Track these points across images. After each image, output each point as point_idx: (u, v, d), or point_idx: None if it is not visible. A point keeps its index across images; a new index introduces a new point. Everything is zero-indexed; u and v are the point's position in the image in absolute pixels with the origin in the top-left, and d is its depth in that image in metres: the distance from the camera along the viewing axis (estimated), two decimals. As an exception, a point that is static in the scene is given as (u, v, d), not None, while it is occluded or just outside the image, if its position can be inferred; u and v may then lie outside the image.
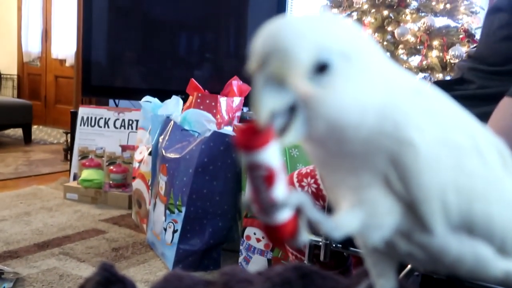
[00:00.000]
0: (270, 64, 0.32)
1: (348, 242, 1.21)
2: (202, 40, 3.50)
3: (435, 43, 2.42)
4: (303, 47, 0.32)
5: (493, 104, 1.02)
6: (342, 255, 1.36)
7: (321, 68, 0.31)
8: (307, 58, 0.32)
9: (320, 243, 1.24)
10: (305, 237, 0.33)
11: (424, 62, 2.45)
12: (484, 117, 1.04)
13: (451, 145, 0.32)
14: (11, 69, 6.14)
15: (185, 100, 2.60)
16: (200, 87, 2.58)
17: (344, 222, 0.31)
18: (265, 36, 0.33)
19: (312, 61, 0.32)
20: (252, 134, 0.32)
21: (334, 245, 1.23)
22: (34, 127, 5.24)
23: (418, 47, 2.47)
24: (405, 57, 2.54)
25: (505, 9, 0.99)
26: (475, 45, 1.19)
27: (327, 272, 0.35)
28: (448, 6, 2.42)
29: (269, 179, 0.32)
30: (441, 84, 1.14)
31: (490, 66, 1.04)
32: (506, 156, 0.35)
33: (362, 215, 0.31)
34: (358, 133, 0.31)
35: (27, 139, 4.87)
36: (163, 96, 2.68)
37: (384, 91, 0.32)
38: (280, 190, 0.33)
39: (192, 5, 3.35)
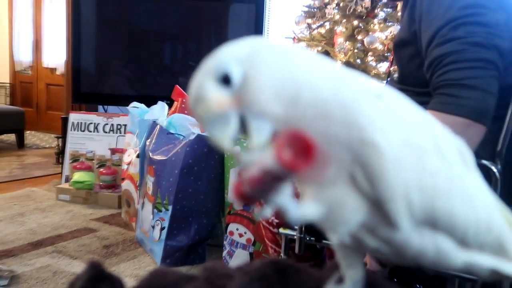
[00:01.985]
0: (197, 110, 0.34)
1: (321, 235, 1.22)
2: (185, 49, 3.49)
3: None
4: (202, 79, 0.34)
5: None
6: (316, 248, 1.37)
7: (227, 79, 0.33)
8: (210, 84, 0.33)
9: (295, 236, 1.25)
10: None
11: (392, 68, 2.48)
12: None
13: (413, 146, 0.32)
14: (4, 78, 6.05)
15: (170, 106, 2.60)
16: (185, 93, 2.58)
17: (304, 211, 0.31)
18: (188, 94, 0.35)
19: (214, 82, 0.33)
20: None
21: (308, 238, 1.24)
22: (27, 132, 5.17)
23: (385, 54, 2.51)
24: (374, 64, 2.57)
25: (411, 42, 1.05)
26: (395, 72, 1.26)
27: (302, 265, 0.36)
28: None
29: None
30: None
31: (416, 88, 1.09)
32: (465, 154, 0.36)
33: (321, 209, 0.32)
34: (302, 117, 0.32)
35: (20, 144, 4.81)
36: (149, 102, 2.67)
37: (329, 81, 0.33)
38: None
39: (175, 16, 3.35)
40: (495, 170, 0.99)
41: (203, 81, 0.33)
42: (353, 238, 0.32)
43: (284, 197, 0.31)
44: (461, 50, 0.89)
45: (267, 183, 0.30)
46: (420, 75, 1.05)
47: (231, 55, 0.33)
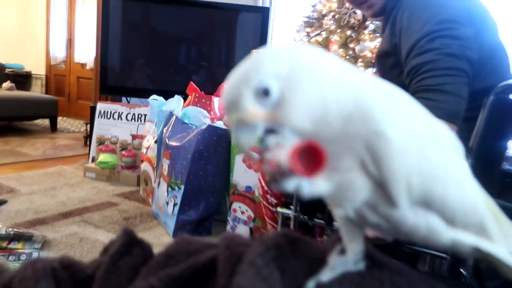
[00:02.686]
0: (231, 114, 0.33)
1: (313, 215, 1.22)
2: (199, 51, 3.47)
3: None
4: (241, 89, 0.32)
5: None
6: (308, 226, 1.37)
7: (265, 92, 0.31)
8: (248, 96, 0.32)
9: (291, 215, 1.25)
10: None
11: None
12: None
13: (416, 137, 0.32)
14: (41, 71, 6.03)
15: (185, 99, 2.58)
16: (198, 89, 2.57)
17: (316, 187, 0.31)
18: (222, 95, 0.33)
19: (252, 94, 0.32)
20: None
21: (301, 217, 1.24)
22: (59, 118, 5.16)
23: (373, 61, 2.49)
24: (363, 69, 2.55)
25: (392, 54, 1.06)
26: None
27: (309, 238, 0.35)
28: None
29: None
30: None
31: None
32: (458, 147, 0.36)
33: (332, 187, 0.31)
34: (330, 131, 0.31)
35: (53, 128, 4.80)
36: (167, 95, 2.66)
37: (351, 93, 0.32)
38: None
39: (191, 22, 3.32)
40: (467, 164, 0.98)
41: (242, 90, 0.32)
42: (357, 214, 0.32)
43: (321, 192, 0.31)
44: (436, 60, 0.90)
45: (280, 172, 0.30)
46: (399, 82, 1.05)
47: (272, 71, 0.31)
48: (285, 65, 0.32)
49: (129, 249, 0.31)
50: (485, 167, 1.08)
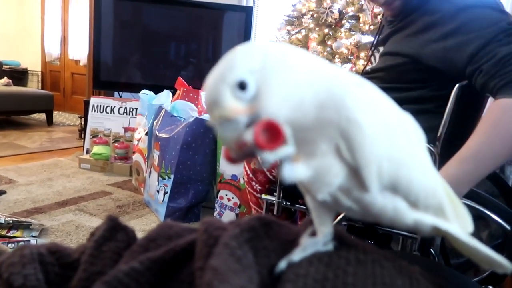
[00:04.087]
0: (213, 112, 0.32)
1: (295, 201, 1.23)
2: (187, 48, 3.44)
3: (362, 54, 2.45)
4: (219, 87, 0.31)
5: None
6: (291, 211, 1.38)
7: (242, 87, 0.31)
8: (226, 92, 0.31)
9: (274, 201, 1.25)
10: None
11: (354, 69, 2.48)
12: None
13: (386, 125, 0.33)
14: (36, 67, 5.90)
15: (174, 94, 2.56)
16: (186, 83, 2.54)
17: (297, 172, 0.31)
18: (204, 95, 0.33)
19: (230, 90, 0.31)
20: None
21: (284, 203, 1.24)
22: (55, 112, 5.06)
23: (349, 57, 2.50)
24: (340, 65, 2.55)
25: (411, 56, 1.01)
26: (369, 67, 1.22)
27: (283, 221, 0.35)
28: (371, 27, 2.44)
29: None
30: None
31: (397, 83, 1.08)
32: (420, 135, 0.37)
33: (310, 172, 0.31)
34: (305, 117, 0.31)
35: (49, 121, 4.71)
36: (157, 90, 2.63)
37: (324, 82, 0.32)
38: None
39: (180, 20, 3.29)
40: (434, 151, 1.00)
41: (221, 88, 0.31)
42: (332, 198, 0.32)
43: (285, 157, 0.31)
44: None
45: (247, 150, 0.31)
46: (404, 75, 1.04)
47: (246, 66, 0.31)
48: (258, 60, 0.31)
49: (113, 234, 0.31)
50: (453, 155, 1.09)
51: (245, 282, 0.23)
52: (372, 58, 1.25)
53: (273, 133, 0.30)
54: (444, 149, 1.02)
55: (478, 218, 1.42)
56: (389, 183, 0.32)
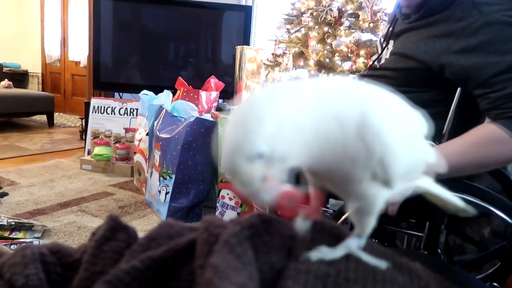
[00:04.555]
0: (232, 177, 0.32)
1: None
2: (187, 48, 3.44)
3: (362, 52, 2.44)
4: (236, 159, 0.31)
5: None
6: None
7: (259, 156, 0.31)
8: (243, 163, 0.31)
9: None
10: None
11: (354, 67, 2.48)
12: None
13: (410, 141, 0.36)
14: (37, 69, 5.91)
15: (174, 94, 2.56)
16: (186, 83, 2.54)
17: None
18: (222, 163, 0.33)
19: (247, 161, 0.31)
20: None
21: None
22: (56, 114, 5.07)
23: (349, 55, 2.49)
24: (340, 63, 2.55)
25: (420, 61, 0.96)
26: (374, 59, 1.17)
27: (282, 218, 0.36)
28: (371, 25, 2.44)
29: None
30: None
31: (402, 86, 1.04)
32: (422, 125, 0.40)
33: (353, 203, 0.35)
34: (333, 153, 0.33)
35: (51, 123, 4.72)
36: (157, 90, 2.64)
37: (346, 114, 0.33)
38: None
39: (179, 21, 3.29)
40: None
41: (237, 160, 0.31)
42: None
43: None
44: None
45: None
46: (410, 78, 1.00)
47: (261, 136, 0.31)
48: (270, 125, 0.31)
49: (114, 233, 0.31)
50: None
51: (245, 279, 0.23)
52: (383, 52, 1.18)
53: (293, 201, 0.31)
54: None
55: (481, 216, 1.42)
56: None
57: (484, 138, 0.86)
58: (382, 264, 0.29)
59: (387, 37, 1.12)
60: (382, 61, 1.12)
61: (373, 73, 1.12)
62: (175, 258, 0.28)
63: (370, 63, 1.23)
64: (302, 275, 0.26)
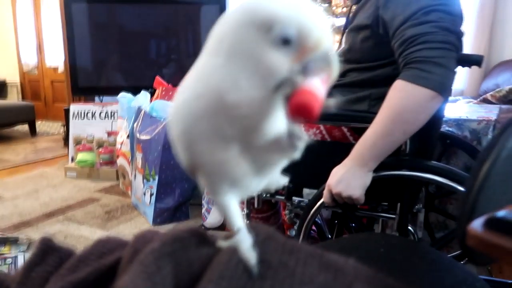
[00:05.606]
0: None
1: (275, 192, 1.23)
2: (166, 45, 3.40)
3: (336, 38, 2.44)
4: None
5: (366, 89, 1.06)
6: (271, 202, 1.39)
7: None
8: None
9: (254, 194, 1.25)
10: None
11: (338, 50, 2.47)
12: (363, 100, 1.07)
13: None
14: (15, 78, 5.81)
15: (154, 93, 2.54)
16: (164, 82, 2.52)
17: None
18: None
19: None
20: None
21: (264, 195, 1.25)
22: (38, 122, 5.01)
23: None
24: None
25: (370, 26, 1.01)
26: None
27: (214, 232, 0.36)
28: (344, 9, 2.44)
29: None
30: None
31: (361, 63, 1.08)
32: None
33: None
34: None
35: (33, 132, 4.66)
36: (138, 91, 2.60)
37: None
38: None
39: (156, 18, 3.25)
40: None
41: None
42: None
43: None
44: (432, 32, 0.87)
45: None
46: (367, 53, 1.05)
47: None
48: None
49: (44, 257, 0.31)
50: (424, 131, 1.10)
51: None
52: (343, 41, 1.23)
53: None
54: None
55: (447, 193, 1.44)
56: None
57: (390, 95, 0.89)
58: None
59: (347, 27, 1.17)
60: (342, 46, 1.16)
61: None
62: (100, 279, 0.28)
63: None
64: (223, 283, 0.26)
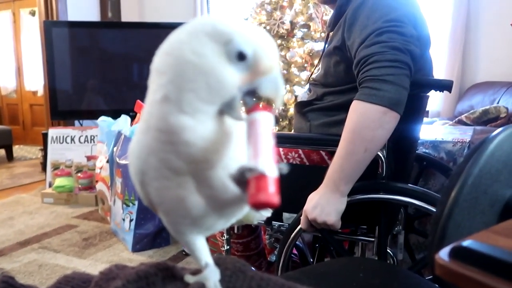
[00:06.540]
0: None
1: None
2: (148, 69, 3.39)
3: (316, 61, 2.49)
4: None
5: (342, 112, 1.08)
6: (251, 227, 1.37)
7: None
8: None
9: (235, 219, 1.24)
10: None
11: (313, 75, 2.51)
12: (340, 123, 1.09)
13: None
14: (-8, 102, 5.71)
15: (135, 117, 2.53)
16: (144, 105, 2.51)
17: None
18: None
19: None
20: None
21: (244, 220, 1.23)
22: (16, 146, 4.90)
23: (304, 65, 2.53)
24: (297, 73, 2.59)
25: (339, 48, 1.05)
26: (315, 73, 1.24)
27: (179, 267, 0.35)
28: (322, 34, 2.50)
29: None
30: (306, 102, 1.19)
31: (336, 87, 1.10)
32: None
33: None
34: None
35: (10, 157, 4.53)
36: (119, 114, 2.57)
37: None
38: None
39: (137, 44, 3.25)
40: (381, 155, 1.02)
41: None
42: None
43: None
44: (382, 52, 0.90)
45: None
46: (340, 77, 1.08)
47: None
48: None
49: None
50: (400, 154, 1.12)
51: None
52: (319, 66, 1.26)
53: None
54: (392, 151, 1.04)
55: (423, 214, 1.46)
56: None
57: (348, 116, 0.93)
58: None
59: (323, 51, 1.20)
60: (316, 71, 1.19)
61: (311, 84, 1.20)
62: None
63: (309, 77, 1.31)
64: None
